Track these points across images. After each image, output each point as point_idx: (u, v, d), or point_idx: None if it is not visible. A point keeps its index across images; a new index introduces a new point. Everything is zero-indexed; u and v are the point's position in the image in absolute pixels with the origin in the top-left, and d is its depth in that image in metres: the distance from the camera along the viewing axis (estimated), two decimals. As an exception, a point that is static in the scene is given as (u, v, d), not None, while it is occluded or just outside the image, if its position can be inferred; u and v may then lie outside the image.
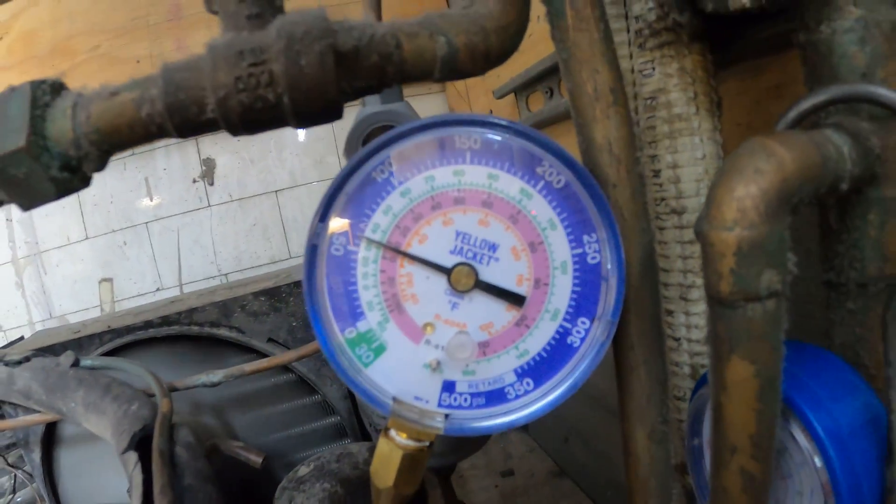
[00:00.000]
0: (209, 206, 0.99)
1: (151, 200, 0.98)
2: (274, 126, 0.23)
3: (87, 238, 0.99)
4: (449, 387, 0.25)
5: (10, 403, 0.71)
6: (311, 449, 0.71)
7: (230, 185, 1.00)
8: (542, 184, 0.24)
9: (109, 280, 0.87)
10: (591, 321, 0.25)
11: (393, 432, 0.26)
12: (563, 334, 0.25)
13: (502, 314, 0.24)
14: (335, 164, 1.01)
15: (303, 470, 0.45)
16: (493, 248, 0.24)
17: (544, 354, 0.25)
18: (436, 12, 0.24)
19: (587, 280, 0.25)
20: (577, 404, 0.88)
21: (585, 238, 0.25)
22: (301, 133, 0.98)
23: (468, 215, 0.24)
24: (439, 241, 0.24)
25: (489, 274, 0.24)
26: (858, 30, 0.24)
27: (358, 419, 0.67)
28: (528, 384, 0.25)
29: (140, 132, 0.23)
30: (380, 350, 0.24)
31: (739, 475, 0.23)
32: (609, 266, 0.24)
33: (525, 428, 1.20)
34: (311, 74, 0.21)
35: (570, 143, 0.24)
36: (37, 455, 0.70)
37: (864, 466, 0.24)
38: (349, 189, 0.24)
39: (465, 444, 0.42)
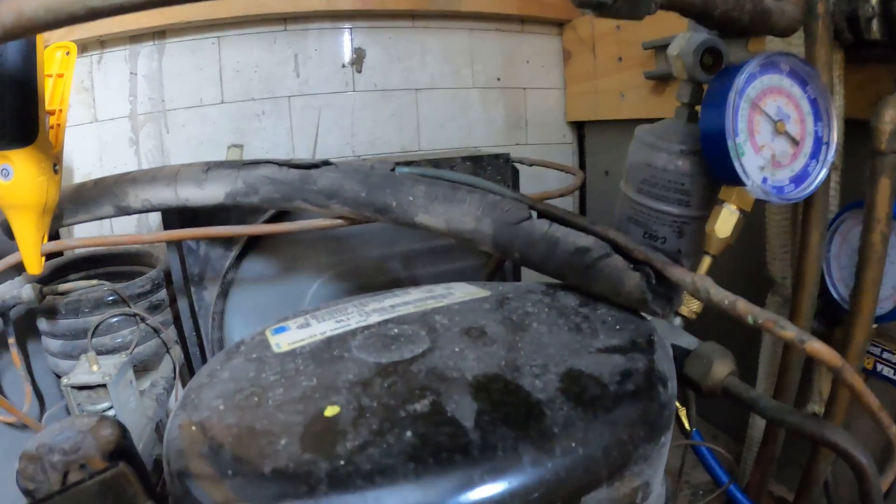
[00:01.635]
0: (354, 90, 1.19)
1: (298, 77, 1.14)
2: (720, 31, 0.53)
3: (222, 102, 1.11)
4: (765, 180, 0.56)
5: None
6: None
7: (376, 76, 1.20)
8: (807, 95, 0.57)
9: (240, 146, 0.97)
10: (818, 162, 0.58)
11: (727, 205, 0.56)
12: (807, 165, 0.57)
13: (789, 148, 0.56)
14: (468, 75, 1.27)
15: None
16: (789, 117, 0.56)
17: (800, 173, 0.57)
18: (772, 3, 0.56)
19: (817, 143, 0.58)
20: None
21: (819, 123, 0.58)
22: (440, 46, 1.23)
23: (782, 99, 0.56)
24: (770, 107, 0.55)
25: (788, 128, 0.56)
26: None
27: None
28: (793, 186, 0.57)
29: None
30: (742, 154, 0.55)
31: (879, 234, 0.57)
32: (828, 139, 0.58)
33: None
34: (760, 15, 0.51)
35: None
36: (211, 293, 0.81)
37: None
38: (744, 75, 0.54)
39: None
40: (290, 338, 0.50)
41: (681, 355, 0.51)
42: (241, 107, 1.13)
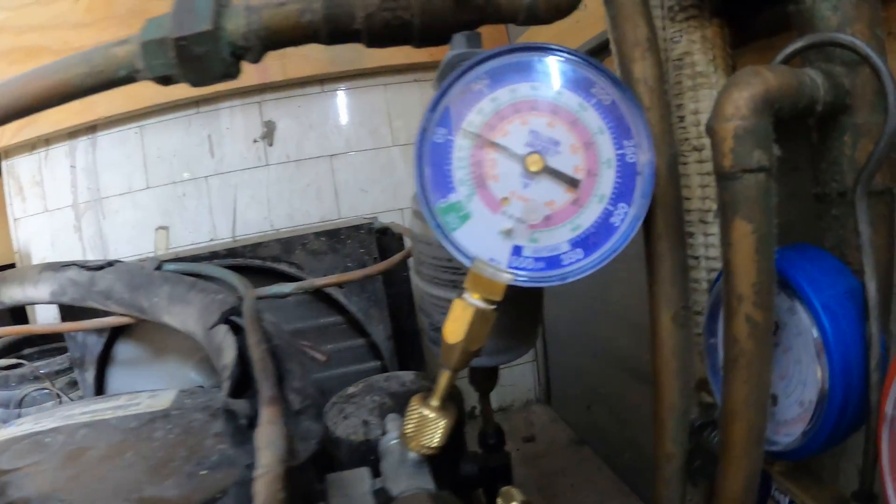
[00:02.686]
0: (267, 165, 1.17)
1: (213, 156, 1.17)
2: (400, 43, 0.35)
3: (147, 187, 1.17)
4: (517, 251, 0.35)
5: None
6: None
7: (288, 147, 1.18)
8: (594, 101, 0.36)
9: (166, 228, 1.02)
10: (629, 206, 0.36)
11: (467, 294, 0.36)
12: (607, 213, 0.36)
13: (562, 194, 0.35)
14: (387, 133, 1.20)
15: (351, 389, 0.55)
16: (557, 143, 0.35)
17: (592, 230, 0.36)
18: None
19: (626, 174, 0.36)
20: (606, 371, 0.98)
21: (625, 142, 0.36)
22: (354, 108, 1.17)
23: (540, 119, 0.35)
24: (518, 136, 0.35)
25: (554, 162, 0.35)
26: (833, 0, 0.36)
27: (401, 361, 0.76)
28: (579, 253, 0.35)
29: (298, 35, 0.35)
30: (465, 218, 0.35)
31: (745, 322, 0.33)
32: (642, 164, 0.36)
33: (548, 400, 1.28)
34: (438, 5, 0.33)
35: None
36: (90, 374, 0.82)
37: (849, 328, 0.34)
38: (452, 95, 0.35)
39: (508, 349, 0.50)
40: (-2, 435, 0.52)
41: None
42: (165, 190, 1.17)
